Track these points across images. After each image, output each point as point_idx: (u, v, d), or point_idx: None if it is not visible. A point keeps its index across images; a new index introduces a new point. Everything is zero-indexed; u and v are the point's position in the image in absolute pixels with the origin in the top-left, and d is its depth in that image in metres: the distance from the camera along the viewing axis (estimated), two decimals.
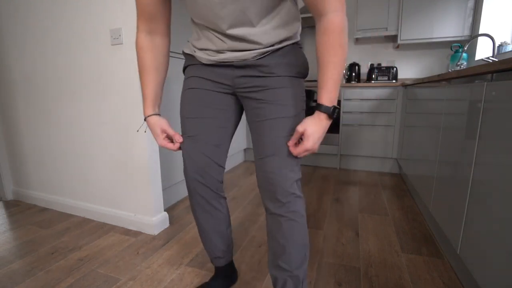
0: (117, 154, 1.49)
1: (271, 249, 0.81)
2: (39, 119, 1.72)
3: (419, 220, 1.59)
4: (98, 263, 1.21)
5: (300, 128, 0.66)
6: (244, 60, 0.73)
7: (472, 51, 2.41)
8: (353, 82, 2.84)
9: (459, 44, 2.48)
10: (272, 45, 0.72)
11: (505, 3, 2.20)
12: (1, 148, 1.94)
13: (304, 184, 2.28)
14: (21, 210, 1.79)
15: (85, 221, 1.62)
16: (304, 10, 2.64)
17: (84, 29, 1.42)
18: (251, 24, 0.68)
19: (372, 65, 2.87)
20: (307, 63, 0.80)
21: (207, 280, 1.07)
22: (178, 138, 0.81)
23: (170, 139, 0.84)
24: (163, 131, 0.81)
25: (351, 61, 3.03)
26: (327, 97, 0.65)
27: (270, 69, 0.73)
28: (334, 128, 2.66)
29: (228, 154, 2.63)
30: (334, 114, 0.66)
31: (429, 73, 2.82)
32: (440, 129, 1.30)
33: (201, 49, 0.78)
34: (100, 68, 1.43)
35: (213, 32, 0.72)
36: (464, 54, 2.40)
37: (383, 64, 2.92)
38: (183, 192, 1.99)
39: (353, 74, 2.84)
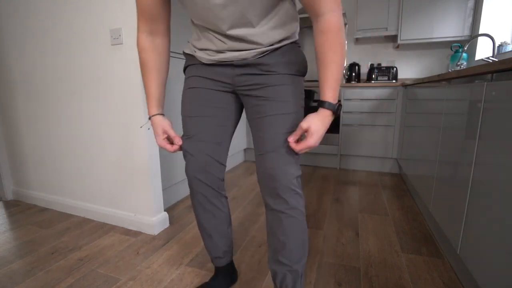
0: (117, 154, 1.49)
1: (271, 245, 0.82)
2: (39, 119, 1.72)
3: (419, 220, 1.59)
4: (98, 263, 1.21)
5: (304, 124, 0.67)
6: (244, 59, 0.74)
7: (472, 51, 2.41)
8: (353, 82, 2.84)
9: (459, 44, 2.48)
10: (271, 45, 0.74)
11: (505, 3, 2.20)
12: (1, 148, 1.94)
13: (304, 184, 2.28)
14: (21, 210, 1.79)
15: (85, 221, 1.62)
16: (303, 10, 2.64)
17: (84, 29, 1.42)
18: (251, 25, 0.69)
19: (372, 65, 2.87)
20: (306, 62, 0.81)
21: (207, 280, 1.07)
22: (178, 141, 0.82)
23: (171, 140, 0.84)
24: (164, 132, 0.82)
25: (351, 61, 3.03)
26: (330, 94, 0.67)
27: (270, 67, 0.74)
28: (334, 128, 2.66)
29: (228, 154, 2.63)
30: (338, 111, 0.68)
31: (429, 73, 2.82)
32: (440, 129, 1.30)
33: (201, 49, 0.79)
34: (100, 68, 1.43)
35: (213, 33, 0.73)
36: (464, 54, 2.40)
37: (383, 64, 2.92)
38: (183, 192, 1.99)
39: (353, 74, 2.85)
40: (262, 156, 0.75)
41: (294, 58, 0.77)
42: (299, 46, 0.81)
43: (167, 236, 1.44)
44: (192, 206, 0.91)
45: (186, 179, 2.00)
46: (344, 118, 2.63)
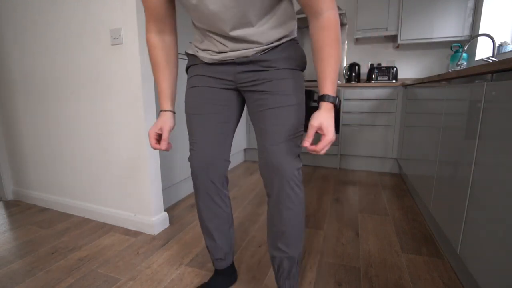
0: (117, 154, 1.49)
1: (271, 232, 0.87)
2: (39, 119, 1.72)
3: (419, 220, 1.59)
4: (98, 263, 1.21)
5: (315, 122, 0.68)
6: (245, 57, 0.77)
7: (472, 51, 2.41)
8: (353, 82, 2.84)
9: (459, 44, 2.48)
10: (271, 43, 0.76)
11: (505, 3, 2.20)
12: (1, 148, 1.94)
13: (304, 184, 2.28)
14: (21, 210, 1.79)
15: (85, 221, 1.62)
16: (302, 11, 2.64)
17: (84, 29, 1.42)
18: (251, 25, 0.72)
19: (372, 65, 2.87)
20: (305, 57, 0.84)
21: (207, 280, 1.07)
22: (162, 145, 0.82)
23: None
24: (160, 129, 0.83)
25: (351, 61, 3.03)
26: (330, 88, 0.69)
27: (270, 63, 0.77)
28: (334, 128, 2.66)
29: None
30: (338, 104, 0.71)
31: (429, 73, 2.82)
32: (440, 129, 1.30)
33: (203, 50, 0.82)
34: (100, 68, 1.43)
35: (215, 36, 0.76)
36: (464, 54, 2.40)
37: (383, 64, 2.92)
38: (183, 192, 1.99)
39: (353, 74, 2.84)
40: (265, 148, 0.78)
41: (294, 53, 0.80)
42: (298, 43, 0.84)
43: (167, 236, 1.44)
44: (196, 205, 0.92)
45: (186, 179, 2.00)
46: (344, 118, 2.63)
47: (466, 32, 2.39)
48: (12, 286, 1.07)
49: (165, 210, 1.74)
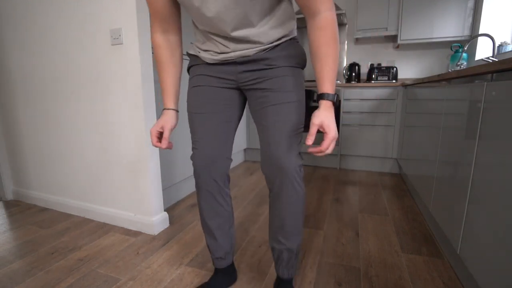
0: (117, 154, 1.49)
1: (272, 225, 0.91)
2: (39, 119, 1.72)
3: (419, 220, 1.59)
4: (98, 263, 1.21)
5: (316, 120, 0.70)
6: (246, 56, 0.79)
7: (472, 51, 2.41)
8: (353, 82, 2.84)
9: (459, 44, 2.48)
10: (272, 43, 0.78)
11: (505, 3, 2.20)
12: (1, 148, 1.94)
13: (304, 184, 2.28)
14: (21, 210, 1.79)
15: (85, 221, 1.62)
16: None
17: (84, 29, 1.42)
18: (252, 25, 0.73)
19: (372, 65, 2.87)
20: (305, 55, 0.86)
21: (207, 280, 1.07)
22: (163, 144, 0.83)
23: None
24: (162, 127, 0.84)
25: (351, 61, 3.03)
26: (329, 86, 0.71)
27: (271, 61, 0.79)
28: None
29: None
30: (336, 101, 0.73)
31: (429, 73, 2.82)
32: (440, 129, 1.30)
33: (205, 50, 0.83)
34: (100, 68, 1.43)
35: (217, 37, 0.78)
36: (464, 54, 2.40)
37: (383, 64, 2.92)
38: (183, 192, 1.99)
39: (353, 74, 2.84)
40: (267, 145, 0.80)
41: (294, 51, 0.82)
42: (298, 42, 0.85)
43: (167, 236, 1.44)
44: (198, 203, 0.94)
45: (186, 179, 2.00)
46: (344, 118, 2.63)
47: (466, 32, 2.39)
48: (12, 286, 1.07)
49: (165, 210, 1.74)
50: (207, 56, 0.82)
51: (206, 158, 0.85)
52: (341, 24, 2.98)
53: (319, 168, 2.77)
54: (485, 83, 0.86)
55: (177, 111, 0.89)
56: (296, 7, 2.87)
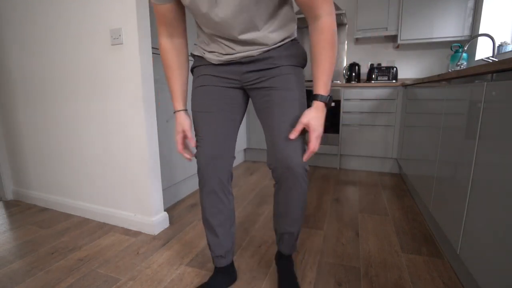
0: (117, 154, 1.49)
1: (276, 211, 0.96)
2: (39, 119, 1.72)
3: (419, 220, 1.59)
4: (98, 263, 1.21)
5: (303, 119, 0.76)
6: (251, 56, 0.82)
7: (472, 51, 2.41)
8: (353, 82, 2.84)
9: (459, 44, 2.48)
10: (275, 44, 0.82)
11: (505, 3, 2.20)
12: (1, 148, 1.94)
13: None
14: (21, 210, 1.79)
15: (85, 221, 1.62)
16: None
17: (84, 29, 1.42)
18: (257, 29, 0.77)
19: (372, 65, 2.87)
20: (306, 55, 0.90)
21: (207, 280, 1.07)
22: (192, 144, 0.91)
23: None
24: (183, 131, 0.91)
25: (351, 61, 3.03)
26: (323, 87, 0.76)
27: (274, 60, 0.83)
28: (334, 128, 2.66)
29: None
30: (330, 102, 0.77)
31: (429, 73, 2.82)
32: (440, 129, 1.30)
33: (210, 52, 0.86)
34: (100, 68, 1.43)
35: (222, 40, 0.81)
36: (464, 54, 2.40)
37: (383, 64, 2.92)
38: (183, 192, 1.99)
39: (353, 74, 2.84)
40: (275, 144, 0.82)
41: (296, 51, 0.86)
42: (298, 42, 0.90)
43: (167, 236, 1.44)
44: (200, 201, 0.95)
45: (186, 179, 2.00)
46: (344, 118, 2.63)
47: (466, 32, 2.39)
48: (12, 286, 1.07)
49: (165, 210, 1.74)
50: (212, 57, 0.85)
51: (210, 156, 0.88)
52: (341, 24, 2.98)
53: (319, 168, 2.77)
54: (485, 83, 0.86)
55: (186, 109, 0.93)
56: (295, 8, 2.87)
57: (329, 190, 2.12)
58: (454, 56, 2.47)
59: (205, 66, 0.89)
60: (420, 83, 1.81)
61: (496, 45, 1.99)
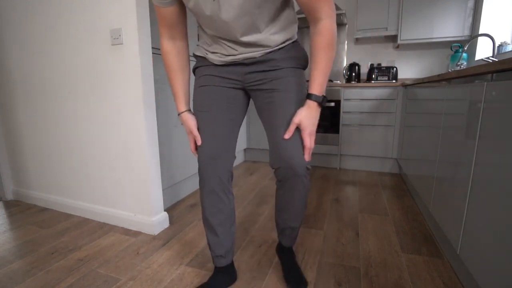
0: (117, 154, 1.49)
1: (278, 206, 0.98)
2: (39, 119, 1.72)
3: (419, 220, 1.59)
4: (98, 263, 1.21)
5: (295, 119, 0.79)
6: (253, 58, 0.83)
7: (472, 51, 2.41)
8: (353, 82, 2.84)
9: (459, 44, 2.48)
10: (277, 46, 0.84)
11: (505, 3, 2.20)
12: (1, 148, 1.94)
13: None
14: (21, 210, 1.79)
15: (85, 221, 1.62)
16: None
17: (84, 29, 1.42)
18: (258, 31, 0.79)
19: (372, 65, 2.87)
20: (307, 56, 0.91)
21: (207, 280, 1.07)
22: (198, 141, 0.91)
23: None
24: (190, 132, 0.92)
25: (351, 61, 3.03)
26: (318, 88, 0.78)
27: (276, 62, 0.84)
28: (334, 128, 2.67)
29: None
30: (323, 102, 0.79)
31: (429, 73, 2.82)
32: (440, 129, 1.30)
33: (212, 52, 0.87)
34: (100, 68, 1.43)
35: (225, 41, 0.82)
36: (464, 54, 2.40)
37: (383, 64, 2.92)
38: (183, 192, 1.99)
39: (353, 74, 2.84)
40: (278, 145, 0.83)
41: (297, 53, 0.88)
42: (299, 44, 0.91)
43: (167, 236, 1.44)
44: (200, 200, 0.95)
45: (186, 179, 2.00)
46: (344, 118, 2.63)
47: (466, 32, 2.39)
48: (12, 286, 1.07)
49: (165, 210, 1.74)
50: (215, 58, 0.86)
51: (210, 155, 0.89)
52: (341, 24, 2.98)
53: (319, 168, 2.77)
54: (485, 83, 0.86)
55: (189, 109, 0.94)
56: (296, 7, 2.87)
57: (329, 190, 2.12)
58: (454, 56, 2.47)
59: (207, 66, 0.90)
60: (420, 83, 1.81)
61: (496, 45, 1.99)
